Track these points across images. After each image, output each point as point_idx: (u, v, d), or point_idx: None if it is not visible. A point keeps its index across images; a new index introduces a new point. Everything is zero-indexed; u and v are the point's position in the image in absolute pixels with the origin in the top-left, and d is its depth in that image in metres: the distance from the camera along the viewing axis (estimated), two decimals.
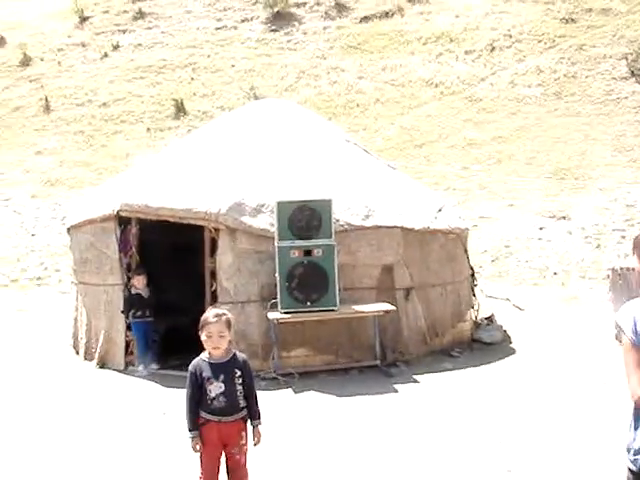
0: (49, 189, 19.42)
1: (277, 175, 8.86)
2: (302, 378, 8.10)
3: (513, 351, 9.42)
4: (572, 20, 24.19)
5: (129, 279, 8.98)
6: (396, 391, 7.68)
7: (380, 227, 8.64)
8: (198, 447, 4.50)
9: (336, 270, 8.21)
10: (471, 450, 5.85)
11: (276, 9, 26.03)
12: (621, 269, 9.78)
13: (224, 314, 4.57)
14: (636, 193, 16.78)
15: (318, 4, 26.63)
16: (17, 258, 15.78)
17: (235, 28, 26.20)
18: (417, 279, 9.04)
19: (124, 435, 6.52)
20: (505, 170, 18.42)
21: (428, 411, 6.97)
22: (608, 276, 10.57)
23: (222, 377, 4.51)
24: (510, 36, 23.93)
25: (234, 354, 4.61)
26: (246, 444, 4.59)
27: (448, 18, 25.15)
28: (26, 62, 25.73)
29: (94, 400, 7.72)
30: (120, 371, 8.92)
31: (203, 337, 4.53)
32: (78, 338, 9.84)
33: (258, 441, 4.60)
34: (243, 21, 26.49)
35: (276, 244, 8.15)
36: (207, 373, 4.51)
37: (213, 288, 8.48)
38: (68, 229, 10.27)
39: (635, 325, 3.07)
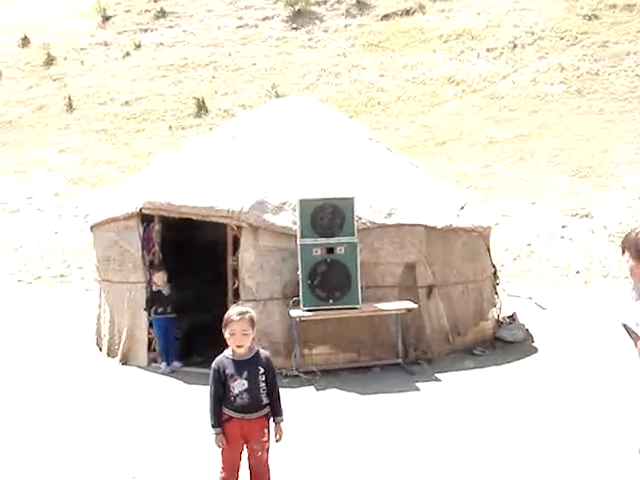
0: (72, 187, 19.58)
1: (299, 173, 8.87)
2: (324, 376, 8.11)
3: (535, 350, 9.36)
4: (595, 16, 24.00)
5: (151, 277, 9.03)
6: (418, 389, 7.67)
7: (402, 225, 8.62)
8: (222, 443, 4.53)
9: (358, 268, 8.21)
10: (492, 450, 5.83)
11: (297, 7, 26.08)
12: None
13: (247, 312, 4.59)
14: None
15: (339, 2, 26.64)
16: (40, 256, 15.92)
17: (256, 26, 26.27)
18: (439, 277, 9.02)
19: (144, 431, 6.57)
20: (527, 168, 18.32)
21: (450, 410, 6.95)
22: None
23: (245, 374, 4.54)
24: (532, 33, 23.78)
25: (257, 351, 4.64)
26: (268, 441, 4.61)
27: (469, 15, 25.05)
28: (49, 61, 25.97)
29: (116, 396, 7.78)
30: (143, 368, 8.98)
31: (227, 335, 4.56)
32: (101, 335, 9.91)
33: (280, 438, 4.63)
34: (264, 19, 26.55)
35: (298, 242, 8.16)
36: (230, 370, 4.54)
37: (235, 286, 8.51)
38: (91, 227, 10.34)
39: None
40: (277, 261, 8.37)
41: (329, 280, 8.14)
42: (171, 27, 26.93)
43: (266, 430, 4.61)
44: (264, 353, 4.69)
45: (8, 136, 22.77)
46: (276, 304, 8.36)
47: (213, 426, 4.55)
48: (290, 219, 8.31)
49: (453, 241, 9.20)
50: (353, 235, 8.25)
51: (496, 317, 10.14)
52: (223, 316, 4.62)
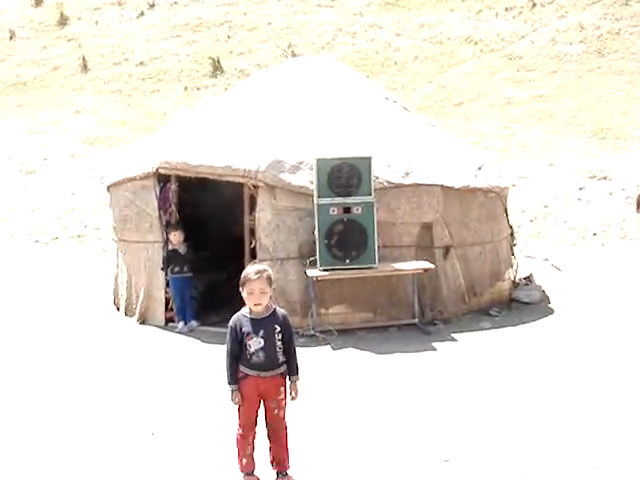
0: (88, 148, 19.59)
1: (316, 132, 8.81)
2: (340, 335, 8.15)
3: (551, 311, 9.35)
4: None
5: (168, 236, 9.05)
6: (434, 349, 7.69)
7: (420, 185, 8.57)
8: (237, 400, 4.56)
9: (375, 228, 8.19)
10: (506, 410, 5.85)
11: None
12: None
13: (265, 270, 4.60)
14: None
15: None
16: (57, 217, 16.01)
17: None
18: (456, 238, 8.99)
19: (163, 388, 6.64)
20: (545, 129, 18.12)
21: (465, 370, 6.97)
22: None
23: (262, 332, 4.55)
24: None
25: (274, 310, 4.65)
26: (285, 399, 4.64)
27: None
28: (63, 21, 25.83)
29: (134, 355, 7.85)
30: (160, 327, 9.05)
31: (244, 294, 4.56)
32: (119, 295, 9.99)
33: (295, 396, 4.66)
34: None
35: (315, 201, 8.14)
36: (247, 328, 4.56)
37: (252, 245, 8.52)
38: (108, 187, 10.35)
39: None
40: (294, 221, 8.36)
41: (346, 240, 8.13)
42: None
43: (282, 388, 4.64)
44: (281, 311, 4.70)
45: (23, 97, 22.75)
46: (293, 264, 8.37)
47: (229, 383, 4.58)
48: (307, 178, 8.27)
49: (470, 201, 9.15)
50: (370, 195, 8.21)
51: (512, 278, 10.13)
52: (239, 275, 4.62)
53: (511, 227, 10.30)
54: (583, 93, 19.50)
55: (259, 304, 4.56)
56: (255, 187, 8.41)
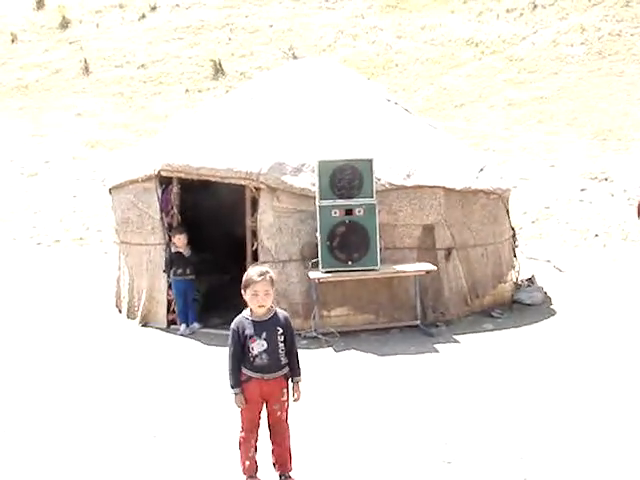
0: (89, 151, 19.60)
1: (318, 134, 8.82)
2: (343, 337, 8.15)
3: (553, 313, 9.35)
4: None
5: (170, 239, 9.06)
6: (436, 351, 7.69)
7: (422, 186, 8.58)
8: (241, 403, 4.57)
9: (377, 229, 8.20)
10: (509, 412, 5.85)
11: None
12: None
13: (267, 272, 4.60)
14: None
15: None
16: (59, 219, 16.02)
17: None
18: (458, 239, 8.99)
19: (165, 391, 6.64)
20: (546, 130, 18.11)
21: (468, 371, 6.97)
22: None
23: (264, 335, 4.56)
24: None
25: (275, 312, 4.66)
26: (287, 400, 4.65)
27: None
28: (65, 24, 25.83)
29: (136, 357, 7.86)
30: (162, 329, 9.05)
31: (248, 295, 4.56)
32: (121, 297, 9.99)
33: (298, 397, 4.67)
34: None
35: (317, 203, 8.14)
36: (250, 331, 4.56)
37: (254, 247, 8.53)
38: (110, 189, 10.36)
39: None
40: (296, 222, 8.37)
41: (348, 242, 8.14)
42: None
43: (285, 390, 4.64)
44: (282, 313, 4.71)
45: (24, 100, 22.76)
46: (295, 266, 8.38)
47: (232, 386, 4.58)
48: (309, 180, 8.28)
49: (472, 203, 9.16)
50: (372, 196, 8.22)
51: (515, 280, 10.13)
52: (241, 277, 4.63)
53: (513, 229, 10.31)
54: (584, 94, 19.50)
55: (263, 306, 4.57)
56: (257, 189, 8.41)
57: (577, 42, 21.46)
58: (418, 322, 8.48)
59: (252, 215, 8.54)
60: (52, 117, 21.53)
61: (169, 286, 9.08)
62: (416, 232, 8.67)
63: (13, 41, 25.69)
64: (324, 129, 8.94)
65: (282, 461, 4.67)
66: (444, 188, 8.73)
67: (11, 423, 5.88)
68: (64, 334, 8.87)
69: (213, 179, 8.62)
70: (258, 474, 4.65)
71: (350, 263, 8.16)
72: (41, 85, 23.37)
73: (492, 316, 9.11)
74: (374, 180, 8.24)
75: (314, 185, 8.20)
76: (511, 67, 21.01)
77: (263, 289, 4.53)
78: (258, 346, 4.55)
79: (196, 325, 8.94)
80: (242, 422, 4.64)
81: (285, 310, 4.92)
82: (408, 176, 8.58)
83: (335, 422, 5.70)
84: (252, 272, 4.60)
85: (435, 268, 8.45)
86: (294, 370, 4.68)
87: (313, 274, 8.11)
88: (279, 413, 4.64)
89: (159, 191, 9.07)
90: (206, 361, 7.55)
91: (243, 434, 4.64)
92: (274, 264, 8.09)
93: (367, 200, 8.20)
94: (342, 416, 5.83)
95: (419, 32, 22.92)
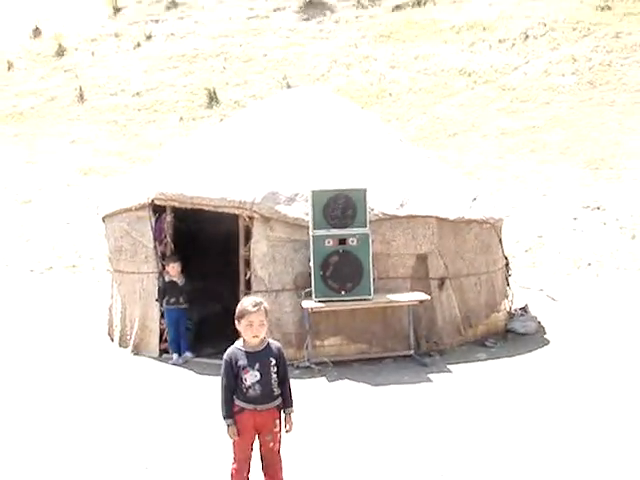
0: (83, 178, 19.62)
1: (311, 164, 8.85)
2: (336, 367, 8.12)
3: (547, 342, 9.34)
4: (608, 7, 23.84)
5: (164, 267, 9.04)
6: (430, 381, 7.66)
7: (415, 216, 8.60)
8: (233, 434, 4.54)
9: (371, 259, 8.21)
10: (502, 442, 5.83)
11: None
12: None
13: (262, 302, 4.61)
14: None
15: None
16: (52, 246, 15.99)
17: (267, 17, 26.22)
18: (451, 269, 9.00)
19: (157, 421, 6.59)
20: (539, 159, 18.23)
21: (462, 402, 6.95)
22: None
23: (257, 365, 4.55)
24: (544, 24, 23.65)
25: (268, 342, 4.65)
26: (280, 431, 4.64)
27: (481, 6, 24.94)
28: (61, 52, 26.01)
29: (128, 387, 7.81)
30: (154, 358, 9.00)
31: (242, 326, 4.56)
32: (113, 325, 9.94)
33: (290, 428, 4.66)
34: (275, 10, 26.50)
35: (311, 233, 8.15)
36: (243, 362, 4.55)
37: (247, 276, 8.52)
38: (103, 218, 10.35)
39: None
40: (289, 252, 8.37)
41: (341, 271, 8.14)
42: (182, 18, 26.90)
43: (278, 421, 4.63)
44: (275, 344, 4.70)
45: (20, 127, 22.83)
46: (288, 295, 8.36)
47: (225, 417, 4.57)
48: (302, 210, 8.30)
49: (465, 233, 9.18)
50: (365, 226, 8.24)
51: (508, 309, 10.13)
52: (233, 306, 4.62)
53: (506, 258, 10.33)
54: (576, 124, 19.66)
55: (257, 336, 4.57)
56: (250, 218, 8.42)
57: (568, 72, 21.69)
58: (412, 352, 8.47)
59: (245, 244, 8.54)
60: (46, 144, 21.58)
61: (162, 315, 9.05)
62: (409, 262, 8.68)
63: (9, 68, 25.84)
64: (318, 158, 8.97)
65: None
66: (437, 218, 8.75)
67: (1, 453, 5.81)
68: (55, 363, 8.81)
69: (207, 208, 8.62)
70: None
71: (343, 293, 8.15)
72: (36, 112, 23.46)
73: (485, 345, 9.09)
74: (367, 210, 8.26)
75: (307, 215, 8.21)
76: (504, 97, 21.20)
77: (258, 320, 4.54)
78: (251, 377, 4.54)
79: (188, 354, 8.89)
80: (234, 453, 4.62)
81: (278, 340, 4.93)
82: (401, 206, 8.60)
83: (328, 453, 5.66)
84: (246, 303, 4.60)
85: (428, 298, 8.45)
86: (287, 401, 4.67)
87: (306, 303, 8.10)
88: (272, 444, 4.62)
89: (153, 220, 9.06)
90: (198, 391, 7.51)
91: (235, 465, 4.61)
92: (267, 293, 8.08)
93: (360, 230, 8.22)
94: (335, 447, 5.79)
95: (412, 62, 23.13)
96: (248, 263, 8.52)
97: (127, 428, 6.40)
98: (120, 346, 9.54)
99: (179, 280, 8.93)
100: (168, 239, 9.07)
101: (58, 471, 5.43)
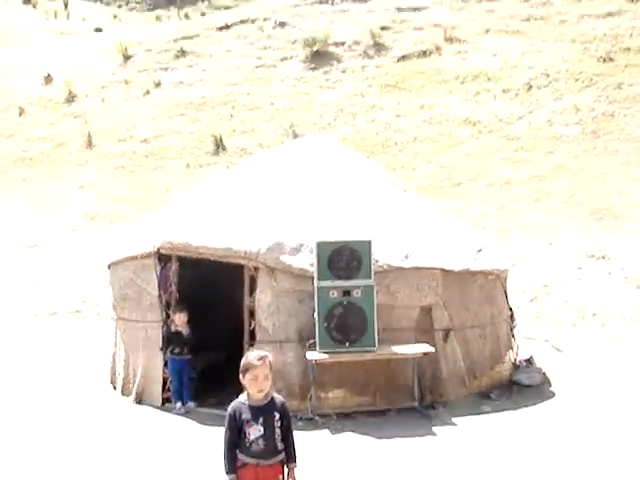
0: (89, 223, 19.74)
1: (316, 214, 8.91)
2: (340, 419, 8.07)
3: (553, 394, 9.27)
4: (610, 59, 24.15)
5: (168, 316, 9.05)
6: (435, 434, 7.60)
7: (419, 268, 8.62)
8: None
9: (375, 311, 8.21)
10: None
11: (315, 48, 26.40)
12: None
13: (266, 356, 4.61)
14: None
15: (357, 43, 26.96)
16: (57, 291, 16.01)
17: (275, 66, 26.61)
18: (456, 320, 8.99)
19: (158, 472, 6.54)
20: (543, 209, 18.29)
21: (466, 455, 6.89)
22: None
23: (261, 420, 4.54)
24: (547, 75, 23.94)
25: (272, 397, 4.64)
26: None
27: (485, 57, 25.28)
28: (71, 99, 26.38)
29: (130, 436, 7.76)
30: (157, 407, 8.95)
31: (247, 380, 4.55)
32: (116, 373, 9.91)
33: None
34: (282, 60, 26.90)
35: (315, 284, 8.17)
36: (247, 416, 4.54)
37: (252, 327, 8.52)
38: (108, 265, 10.40)
39: None
40: (293, 303, 8.38)
41: (345, 323, 8.14)
42: (190, 66, 27.34)
43: (280, 476, 4.60)
44: (279, 398, 4.69)
45: (28, 172, 23.06)
46: (292, 346, 8.34)
47: (227, 473, 4.54)
48: (307, 261, 8.33)
49: (470, 284, 9.19)
50: (370, 278, 8.25)
51: (513, 360, 10.08)
52: (236, 356, 4.62)
53: (511, 309, 10.31)
54: (580, 173, 19.76)
55: (262, 390, 4.56)
56: (255, 269, 8.45)
57: (572, 122, 21.88)
58: (416, 404, 8.41)
59: (250, 294, 8.56)
60: (54, 189, 21.76)
61: (165, 364, 9.03)
62: (414, 313, 8.67)
63: (21, 114, 26.22)
64: (323, 209, 9.03)
65: None
66: (442, 269, 8.77)
67: None
68: (57, 410, 8.77)
69: (212, 258, 8.66)
70: None
71: (348, 344, 8.13)
72: (45, 157, 23.71)
73: (490, 398, 9.03)
74: (372, 261, 8.29)
75: (312, 265, 8.24)
76: (508, 146, 21.36)
77: (262, 374, 4.54)
78: (255, 431, 4.53)
79: (191, 404, 8.85)
80: None
81: (282, 390, 4.92)
82: (406, 257, 8.63)
83: None
84: (251, 356, 4.60)
85: (433, 350, 8.42)
86: (290, 456, 4.65)
87: (310, 355, 8.08)
88: None
89: (158, 268, 9.10)
90: (201, 442, 7.46)
91: None
92: (271, 344, 8.07)
93: (365, 281, 8.23)
94: None
95: (418, 111, 23.38)
96: (252, 313, 8.52)
97: (128, 479, 6.36)
98: (123, 394, 9.49)
99: (184, 330, 8.93)
100: (173, 288, 9.09)
101: None
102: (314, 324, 8.15)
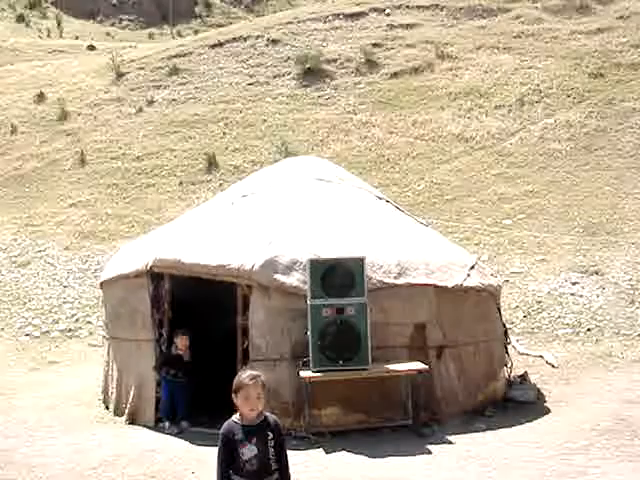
0: (82, 241, 19.67)
1: (309, 232, 8.91)
2: (334, 437, 8.02)
3: (547, 411, 9.24)
4: (601, 75, 24.28)
5: (160, 335, 9.02)
6: (429, 452, 7.55)
7: (413, 285, 8.61)
8: None
9: (368, 328, 8.18)
10: None
11: (307, 65, 26.47)
12: None
13: (259, 375, 4.57)
14: None
15: (349, 60, 27.05)
16: (49, 309, 15.94)
17: (267, 84, 26.65)
18: (450, 337, 8.96)
19: None
20: (536, 225, 18.31)
21: (462, 474, 6.84)
22: None
23: (255, 440, 4.50)
24: (539, 91, 24.04)
25: (266, 416, 4.61)
26: None
27: (477, 73, 25.38)
28: (64, 117, 26.35)
29: (121, 456, 7.68)
30: (150, 427, 8.89)
31: (239, 399, 4.52)
32: (109, 393, 9.86)
33: None
34: (275, 77, 26.96)
35: (308, 302, 8.15)
36: (240, 436, 4.50)
37: (245, 345, 8.48)
38: (101, 284, 10.37)
39: None
40: (287, 321, 8.35)
41: (339, 341, 8.10)
42: (183, 84, 27.34)
43: None
44: (272, 418, 4.65)
45: (21, 190, 22.99)
46: (285, 364, 8.31)
47: None
48: (300, 279, 8.31)
49: (463, 301, 9.18)
50: (363, 295, 8.24)
51: (507, 377, 10.06)
52: (230, 375, 4.59)
53: (504, 325, 10.30)
54: (573, 189, 19.81)
55: (254, 410, 4.52)
56: (248, 287, 8.43)
57: (564, 138, 21.95)
58: (410, 422, 8.37)
59: (243, 313, 8.53)
60: (46, 207, 21.70)
61: (158, 383, 8.97)
62: (407, 331, 8.65)
63: (13, 132, 26.16)
64: (316, 227, 9.03)
65: None
66: (435, 286, 8.76)
67: None
68: (47, 429, 8.70)
69: (205, 276, 8.64)
70: None
71: (341, 362, 8.11)
72: (37, 175, 23.65)
73: (485, 415, 9.00)
74: (365, 279, 8.27)
75: (305, 283, 8.22)
76: (501, 162, 21.41)
77: (255, 393, 4.50)
78: (248, 451, 4.48)
79: (184, 424, 8.79)
80: None
81: (275, 409, 4.87)
82: (399, 274, 8.62)
83: None
84: (243, 376, 4.56)
85: (427, 367, 8.38)
86: (284, 475, 4.60)
87: (304, 373, 8.05)
88: None
89: (151, 287, 9.07)
90: (193, 461, 7.40)
91: None
92: (265, 362, 8.04)
93: (358, 299, 8.21)
94: None
95: (410, 128, 23.43)
96: (245, 331, 8.49)
97: None
98: (115, 414, 9.44)
99: (185, 355, 8.91)
100: (166, 306, 9.06)
101: None
102: (307, 342, 8.12)
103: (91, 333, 14.62)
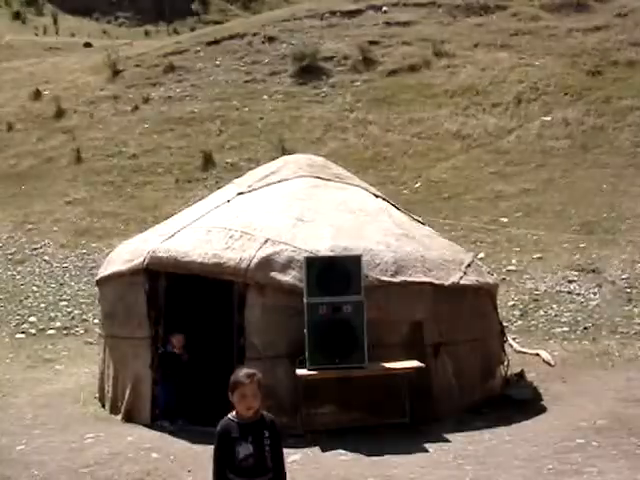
0: (78, 239, 19.62)
1: (306, 230, 8.89)
2: (330, 435, 8.00)
3: (544, 409, 9.24)
4: (598, 72, 24.29)
5: (156, 333, 9.00)
6: (426, 450, 7.54)
7: (409, 283, 8.60)
8: None
9: (365, 327, 8.16)
10: None
11: (304, 63, 26.44)
12: None
13: (255, 373, 4.57)
14: None
15: (346, 58, 27.03)
16: (45, 307, 15.90)
17: (264, 81, 26.62)
18: (446, 335, 8.95)
19: None
20: (533, 223, 18.30)
21: (459, 471, 6.83)
22: None
23: (251, 438, 4.50)
24: (537, 89, 24.04)
25: (262, 414, 4.60)
26: None
27: (474, 71, 25.37)
28: (60, 114, 26.30)
29: (117, 454, 7.66)
30: (146, 425, 8.87)
31: (235, 398, 4.51)
32: (105, 391, 9.84)
33: None
34: (271, 74, 26.92)
35: (305, 300, 8.13)
36: (236, 434, 4.50)
37: (241, 343, 8.46)
38: (97, 282, 10.34)
39: None
40: (283, 319, 8.33)
41: (335, 339, 8.09)
42: (179, 82, 27.29)
43: None
44: (269, 416, 4.65)
45: (17, 187, 22.93)
46: (282, 362, 8.29)
47: None
48: (297, 277, 8.29)
49: (460, 299, 9.17)
50: (360, 293, 8.21)
51: (504, 375, 10.05)
52: (226, 373, 4.59)
53: (501, 323, 10.30)
54: (570, 187, 19.80)
55: (251, 408, 4.51)
56: (245, 285, 8.41)
57: (561, 136, 21.95)
58: (407, 420, 8.35)
59: (239, 311, 8.51)
60: (43, 204, 21.65)
61: (154, 382, 8.95)
62: (404, 328, 8.64)
63: (9, 130, 26.11)
64: (312, 225, 9.01)
65: None
66: (432, 284, 8.75)
67: None
68: (42, 427, 8.68)
69: (201, 274, 8.61)
70: None
71: (337, 361, 8.09)
72: (33, 173, 23.59)
73: (482, 413, 9.00)
74: (362, 276, 8.25)
75: (302, 281, 8.20)
76: (498, 160, 21.40)
77: (251, 391, 4.50)
78: (244, 449, 4.48)
79: (180, 422, 8.78)
80: None
81: (272, 407, 4.87)
82: (396, 272, 8.60)
83: None
84: (239, 374, 4.56)
85: (423, 365, 8.37)
86: (279, 475, 4.59)
87: (300, 371, 8.03)
88: None
89: (147, 285, 9.04)
90: (189, 460, 7.38)
91: None
92: (261, 361, 8.01)
93: (355, 297, 8.19)
94: None
95: (407, 126, 23.41)
96: (242, 330, 8.47)
97: None
98: (111, 412, 9.42)
99: (183, 355, 8.89)
100: (162, 304, 9.03)
101: None
102: (304, 340, 8.09)
103: (87, 331, 14.58)
